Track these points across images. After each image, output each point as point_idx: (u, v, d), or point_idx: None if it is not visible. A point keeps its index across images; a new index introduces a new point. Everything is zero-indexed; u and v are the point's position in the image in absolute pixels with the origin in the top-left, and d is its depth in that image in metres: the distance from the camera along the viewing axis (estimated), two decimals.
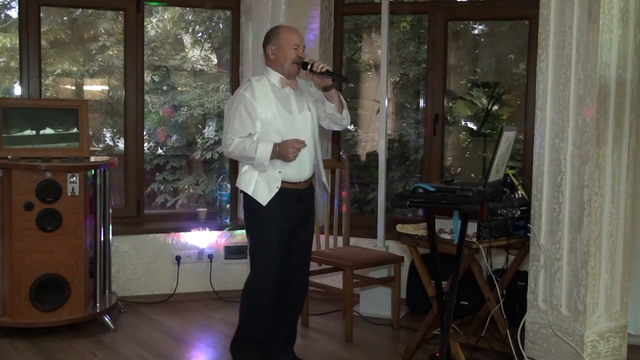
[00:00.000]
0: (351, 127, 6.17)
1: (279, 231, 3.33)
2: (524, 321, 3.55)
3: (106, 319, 4.17)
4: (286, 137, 3.27)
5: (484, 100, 5.84)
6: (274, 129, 3.27)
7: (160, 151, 6.24)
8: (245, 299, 3.43)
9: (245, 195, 3.35)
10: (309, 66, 3.30)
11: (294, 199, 3.35)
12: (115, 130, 6.04)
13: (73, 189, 3.98)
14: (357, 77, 6.19)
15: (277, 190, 3.28)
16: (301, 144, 3.24)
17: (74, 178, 3.98)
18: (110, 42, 5.91)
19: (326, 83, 3.35)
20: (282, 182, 3.29)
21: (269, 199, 3.28)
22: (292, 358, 3.56)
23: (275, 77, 3.37)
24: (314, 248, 4.35)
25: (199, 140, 6.12)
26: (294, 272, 3.47)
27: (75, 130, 4.19)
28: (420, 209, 4.57)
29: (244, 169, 3.36)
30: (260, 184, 3.29)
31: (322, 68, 3.29)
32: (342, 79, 3.45)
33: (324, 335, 4.16)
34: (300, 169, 3.34)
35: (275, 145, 3.22)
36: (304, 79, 3.51)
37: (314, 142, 3.43)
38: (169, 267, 4.85)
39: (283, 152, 3.21)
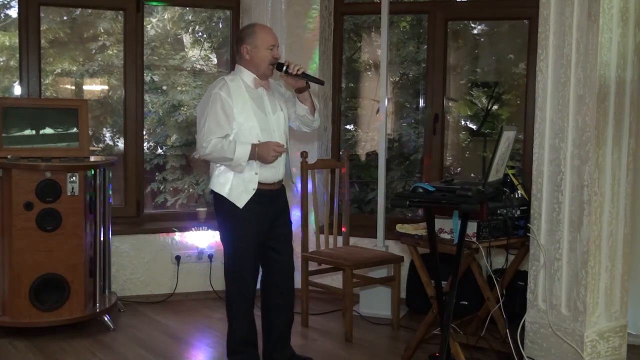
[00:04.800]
0: (351, 127, 6.18)
1: (254, 233, 3.31)
2: (524, 321, 3.55)
3: (106, 319, 4.17)
4: (262, 138, 3.25)
5: (484, 100, 5.84)
6: (250, 130, 3.24)
7: (160, 151, 6.24)
8: (228, 301, 3.42)
9: (219, 198, 3.31)
10: (284, 68, 3.27)
11: (269, 200, 3.33)
12: (115, 130, 6.04)
13: (73, 189, 3.98)
14: (357, 77, 6.19)
15: (254, 192, 3.26)
16: (281, 148, 3.23)
17: (74, 178, 3.98)
18: (110, 42, 5.91)
19: (300, 85, 3.33)
20: (258, 183, 3.27)
21: (247, 200, 3.26)
22: (290, 355, 3.57)
23: (248, 77, 3.34)
24: (314, 248, 4.37)
25: None
26: (281, 273, 3.46)
27: (75, 130, 4.19)
28: (420, 209, 4.57)
29: (218, 171, 3.30)
30: (236, 186, 3.26)
31: (298, 70, 3.25)
32: (318, 81, 3.39)
33: (324, 335, 4.16)
34: (275, 171, 3.33)
35: (254, 146, 3.20)
36: (274, 79, 3.49)
37: (287, 142, 3.42)
38: (169, 267, 4.85)
39: (264, 154, 3.19)
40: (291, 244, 3.50)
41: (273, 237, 3.40)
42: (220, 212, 3.35)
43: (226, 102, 3.22)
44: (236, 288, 3.37)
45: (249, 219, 3.28)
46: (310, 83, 3.35)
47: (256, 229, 3.31)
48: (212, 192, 3.36)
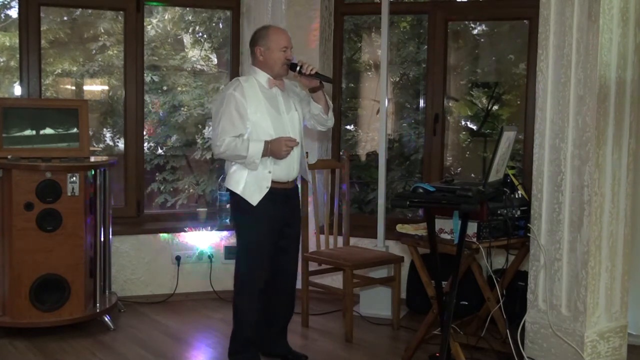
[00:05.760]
0: (351, 127, 6.18)
1: (268, 231, 3.35)
2: (524, 321, 3.55)
3: (106, 319, 4.17)
4: (275, 136, 3.29)
5: (484, 100, 5.84)
6: (264, 129, 3.28)
7: (160, 151, 6.24)
8: (236, 300, 3.45)
9: (234, 195, 3.35)
10: (298, 68, 3.32)
11: (282, 198, 3.38)
12: (115, 130, 6.03)
13: (73, 189, 3.98)
14: (357, 77, 6.19)
15: (267, 190, 3.30)
16: (293, 142, 3.28)
17: (74, 178, 3.98)
18: (110, 42, 5.90)
19: (314, 84, 3.38)
20: (272, 181, 3.31)
21: (259, 198, 3.30)
22: (286, 350, 3.60)
23: (263, 77, 3.39)
24: (314, 248, 4.38)
25: (199, 140, 6.12)
26: (284, 273, 3.51)
27: (75, 130, 4.19)
28: (420, 209, 4.56)
29: (232, 168, 3.35)
30: (250, 184, 3.30)
31: (311, 70, 3.31)
32: (329, 79, 3.48)
33: (324, 335, 4.16)
34: (289, 169, 3.38)
35: (267, 142, 3.25)
36: (288, 79, 3.53)
37: (301, 141, 3.46)
38: (169, 267, 4.85)
39: (276, 149, 3.24)
40: (298, 244, 3.57)
41: (283, 236, 3.45)
42: (235, 209, 3.42)
43: (240, 102, 3.26)
44: (245, 288, 3.39)
45: (263, 218, 3.32)
46: (324, 82, 3.41)
47: (268, 228, 3.35)
48: (227, 189, 3.41)
